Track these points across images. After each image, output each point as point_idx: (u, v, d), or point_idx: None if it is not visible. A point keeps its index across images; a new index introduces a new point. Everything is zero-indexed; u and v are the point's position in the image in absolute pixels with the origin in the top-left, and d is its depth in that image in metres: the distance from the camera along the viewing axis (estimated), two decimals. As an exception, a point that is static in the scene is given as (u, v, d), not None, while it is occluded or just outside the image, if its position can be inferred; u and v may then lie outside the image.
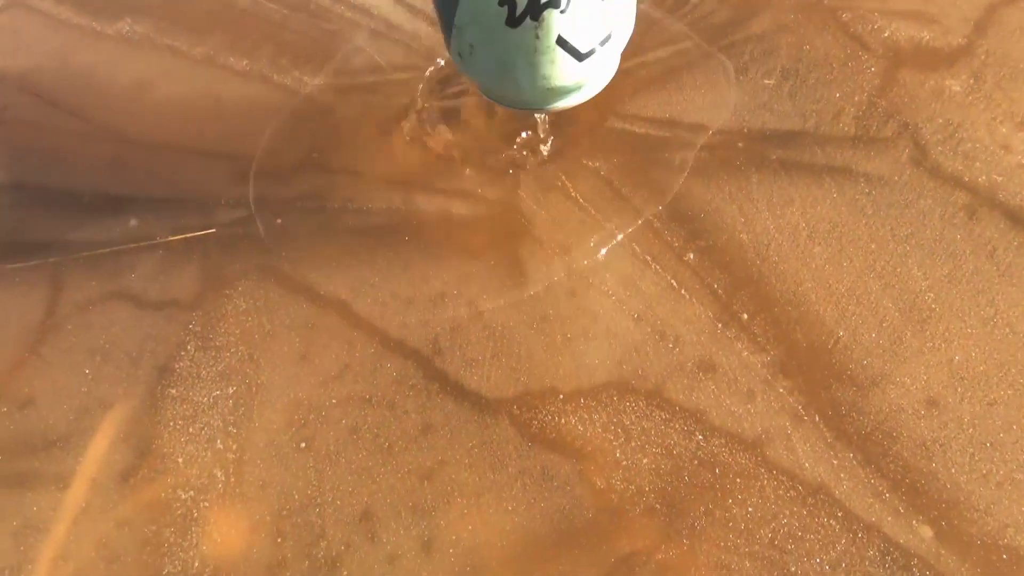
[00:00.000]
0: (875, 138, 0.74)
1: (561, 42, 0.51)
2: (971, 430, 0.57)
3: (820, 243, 0.68)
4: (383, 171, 0.79)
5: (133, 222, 0.79)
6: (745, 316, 0.65)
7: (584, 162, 0.76)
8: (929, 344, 0.61)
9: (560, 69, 0.53)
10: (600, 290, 0.68)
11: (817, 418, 0.59)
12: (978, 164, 0.70)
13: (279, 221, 0.77)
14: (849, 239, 0.68)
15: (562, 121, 0.79)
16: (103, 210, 0.80)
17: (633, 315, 0.66)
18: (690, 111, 0.79)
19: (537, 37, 0.50)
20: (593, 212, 0.72)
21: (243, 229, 0.77)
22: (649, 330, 0.65)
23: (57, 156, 0.86)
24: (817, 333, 0.63)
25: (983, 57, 0.79)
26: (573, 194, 0.74)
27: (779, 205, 0.71)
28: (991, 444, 0.56)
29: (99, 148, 0.86)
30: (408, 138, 0.81)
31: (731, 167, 0.74)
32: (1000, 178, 0.69)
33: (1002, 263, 0.64)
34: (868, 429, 0.58)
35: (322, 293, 0.71)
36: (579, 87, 0.57)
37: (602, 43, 0.53)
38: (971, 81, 0.77)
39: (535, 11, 0.49)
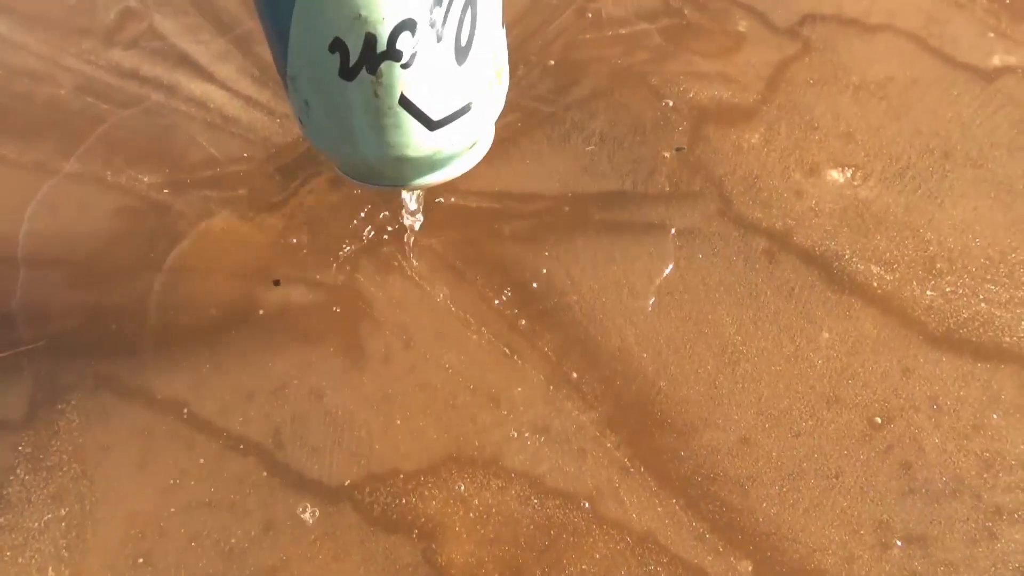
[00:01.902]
0: (686, 193, 0.80)
1: (406, 103, 0.44)
2: (780, 463, 0.61)
3: (640, 298, 0.72)
4: (222, 265, 0.79)
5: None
6: (575, 375, 0.68)
7: (420, 240, 0.79)
8: (739, 385, 0.66)
9: (408, 137, 0.46)
10: (437, 364, 0.70)
11: (642, 468, 0.62)
12: (774, 211, 0.77)
13: (114, 327, 0.76)
14: (666, 291, 0.72)
15: (397, 200, 0.82)
16: (-78, 334, 0.76)
17: (469, 386, 0.68)
18: (518, 181, 0.83)
19: (376, 95, 0.44)
20: (429, 289, 0.75)
21: (76, 339, 0.75)
22: (484, 399, 0.67)
23: None
24: (640, 385, 0.67)
25: (776, 111, 0.87)
26: (410, 273, 0.76)
27: (602, 264, 0.75)
28: (796, 474, 0.60)
29: (-81, 268, 0.83)
30: (247, 231, 0.82)
31: (558, 232, 0.79)
32: (793, 222, 0.76)
33: (799, 301, 0.70)
34: (688, 473, 0.61)
35: (160, 397, 0.70)
36: (436, 159, 0.50)
37: (459, 113, 0.47)
38: (767, 133, 0.85)
39: (371, 62, 0.42)
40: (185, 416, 0.69)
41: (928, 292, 0.69)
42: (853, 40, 0.94)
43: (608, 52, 0.95)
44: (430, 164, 0.51)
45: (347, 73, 0.43)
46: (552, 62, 0.95)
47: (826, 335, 0.68)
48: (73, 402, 0.70)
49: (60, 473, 0.66)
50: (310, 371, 0.70)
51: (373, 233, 0.79)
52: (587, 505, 0.60)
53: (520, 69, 0.94)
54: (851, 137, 0.83)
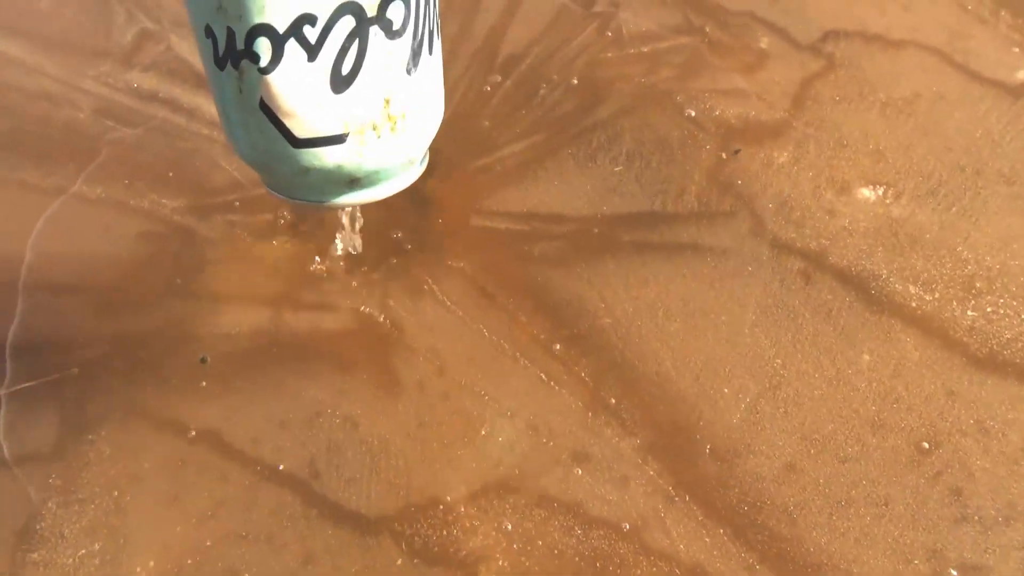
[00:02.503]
0: (716, 212, 0.79)
1: (266, 110, 0.45)
2: (827, 490, 0.60)
3: (676, 320, 0.72)
4: (249, 291, 0.79)
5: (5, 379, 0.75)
6: (613, 401, 0.67)
7: (449, 263, 0.78)
8: (782, 410, 0.65)
9: (272, 144, 0.46)
10: (472, 391, 0.69)
11: (687, 497, 0.61)
12: (807, 230, 0.76)
13: (143, 355, 0.75)
14: (701, 313, 0.72)
15: (426, 223, 0.81)
16: (-52, 364, 0.75)
17: (507, 413, 0.67)
18: (546, 202, 0.83)
19: (241, 91, 0.44)
20: (461, 314, 0.74)
21: (104, 367, 0.74)
22: (523, 426, 0.66)
23: None
24: (680, 410, 0.66)
25: (803, 128, 0.86)
26: (441, 297, 0.75)
27: (635, 286, 0.74)
28: (845, 502, 0.59)
29: (-57, 296, 0.82)
30: (273, 255, 0.81)
31: (588, 254, 0.78)
32: (827, 242, 0.75)
33: (838, 323, 0.69)
34: (735, 502, 0.60)
35: (192, 426, 0.69)
36: (308, 181, 0.49)
37: (328, 140, 0.46)
38: (796, 151, 0.84)
39: (234, 58, 0.43)
40: (218, 446, 0.68)
41: (969, 312, 0.69)
42: (877, 56, 0.94)
43: (631, 70, 0.95)
44: (302, 183, 0.50)
45: (218, 62, 0.44)
46: (575, 81, 0.94)
47: (867, 357, 0.67)
48: (103, 433, 0.69)
49: (92, 506, 0.65)
50: (344, 398, 0.69)
51: (403, 254, 0.78)
52: (632, 535, 0.59)
53: (543, 88, 0.94)
54: (881, 155, 0.83)
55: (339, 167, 0.49)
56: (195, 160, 0.91)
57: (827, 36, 0.96)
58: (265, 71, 0.43)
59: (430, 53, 0.50)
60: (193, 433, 0.68)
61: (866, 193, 0.79)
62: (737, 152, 0.81)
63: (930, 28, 0.96)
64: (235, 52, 0.43)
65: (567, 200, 0.83)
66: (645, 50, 0.97)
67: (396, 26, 0.45)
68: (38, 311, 0.79)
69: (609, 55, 0.97)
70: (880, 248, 0.74)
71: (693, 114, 0.89)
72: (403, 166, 0.55)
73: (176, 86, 0.99)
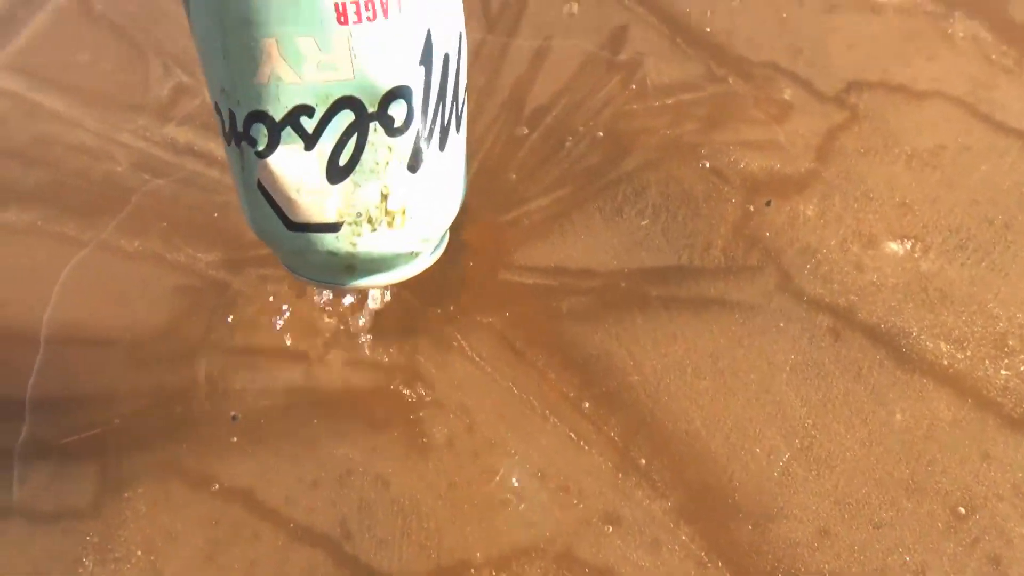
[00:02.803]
0: (743, 267, 0.80)
1: (263, 191, 0.46)
2: (862, 557, 0.60)
3: (705, 377, 0.72)
4: (282, 347, 0.80)
5: (23, 428, 0.76)
6: (643, 461, 0.67)
7: (478, 319, 0.79)
8: (814, 472, 0.64)
9: (270, 223, 0.47)
10: (502, 449, 0.69)
11: (720, 563, 0.60)
12: (835, 286, 0.76)
13: (179, 410, 0.76)
14: (731, 371, 0.72)
15: (454, 277, 0.82)
16: (-10, 420, 0.77)
17: (536, 472, 0.67)
18: (574, 256, 0.83)
19: (243, 168, 0.46)
20: (490, 370, 0.74)
21: (142, 422, 0.76)
22: (553, 486, 0.66)
23: (-61, 363, 0.84)
24: (711, 471, 0.66)
25: (829, 180, 0.87)
26: (470, 353, 0.76)
27: (664, 343, 0.75)
28: (881, 570, 0.59)
29: (-15, 350, 0.84)
30: (306, 311, 0.82)
31: (616, 309, 0.78)
32: (856, 298, 0.75)
33: (868, 382, 0.69)
34: (769, 568, 0.60)
35: (226, 485, 0.70)
36: (306, 262, 0.50)
37: (322, 228, 0.47)
38: (821, 204, 0.84)
39: (235, 137, 0.45)
40: (251, 505, 0.69)
41: (1002, 372, 0.68)
42: (901, 107, 0.94)
43: (656, 122, 0.96)
44: (302, 263, 0.52)
45: (225, 136, 0.46)
46: (600, 134, 0.96)
47: (899, 417, 0.67)
48: (140, 490, 0.71)
49: (128, 565, 0.66)
50: (375, 457, 0.70)
51: (431, 309, 0.79)
52: (665, 601, 0.59)
53: (569, 140, 0.95)
54: (908, 208, 0.83)
55: (332, 254, 0.50)
56: (229, 213, 0.93)
57: (851, 87, 0.97)
58: (261, 155, 0.45)
59: (441, 149, 0.50)
60: (217, 486, 0.69)
61: (894, 247, 0.79)
62: (768, 203, 0.81)
63: (954, 79, 0.96)
64: (236, 132, 0.45)
65: (594, 254, 0.83)
66: (669, 102, 0.98)
67: (398, 123, 0.46)
68: (75, 365, 0.81)
69: (634, 107, 0.99)
70: (910, 304, 0.74)
71: (717, 167, 0.90)
72: (405, 258, 0.55)
73: (211, 140, 1.01)
